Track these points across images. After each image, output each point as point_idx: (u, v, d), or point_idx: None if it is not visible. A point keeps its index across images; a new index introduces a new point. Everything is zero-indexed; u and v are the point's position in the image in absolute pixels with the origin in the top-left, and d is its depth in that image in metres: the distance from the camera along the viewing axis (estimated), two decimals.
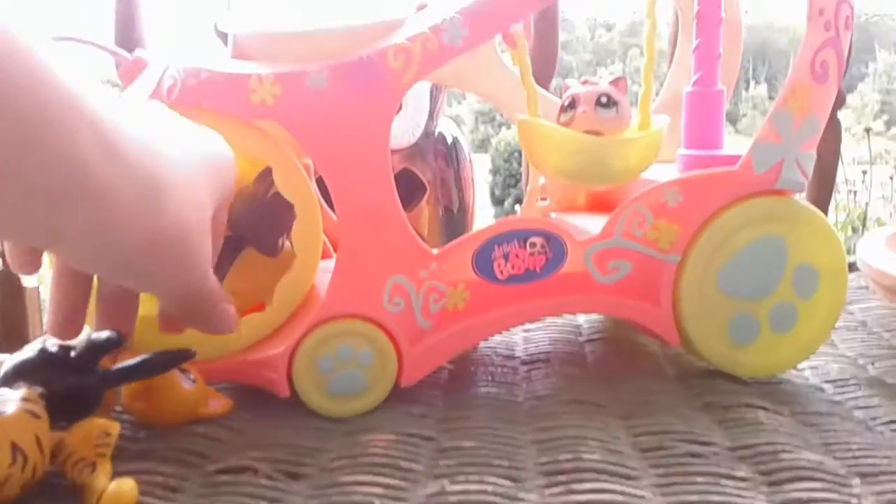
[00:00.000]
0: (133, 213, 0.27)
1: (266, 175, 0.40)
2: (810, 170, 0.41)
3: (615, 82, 0.41)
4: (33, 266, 0.33)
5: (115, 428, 0.30)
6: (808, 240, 0.41)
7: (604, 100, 0.40)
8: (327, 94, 0.36)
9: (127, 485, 0.28)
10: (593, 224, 0.42)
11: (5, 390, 0.29)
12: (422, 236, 0.39)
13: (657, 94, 0.51)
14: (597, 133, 0.40)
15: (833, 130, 0.85)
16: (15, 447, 0.27)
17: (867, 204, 2.83)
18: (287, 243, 0.41)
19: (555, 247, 0.40)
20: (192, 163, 0.31)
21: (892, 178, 3.08)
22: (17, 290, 0.80)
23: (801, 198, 0.41)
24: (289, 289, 0.38)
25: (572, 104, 0.41)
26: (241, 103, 0.36)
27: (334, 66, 0.36)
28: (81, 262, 0.30)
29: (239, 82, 0.36)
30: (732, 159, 0.41)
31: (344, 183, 0.37)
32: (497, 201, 4.54)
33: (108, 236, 0.27)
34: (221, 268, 0.39)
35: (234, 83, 0.36)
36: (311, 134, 0.36)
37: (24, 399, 0.29)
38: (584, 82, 0.42)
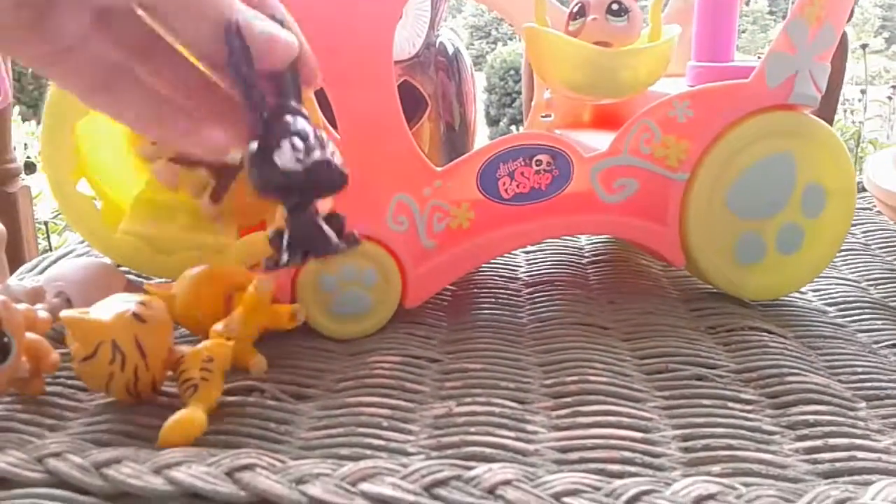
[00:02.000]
0: None
1: None
2: (824, 83, 0.40)
3: None
4: None
5: (219, 355, 0.29)
6: (818, 157, 0.40)
7: (615, 7, 0.39)
8: (327, 1, 0.34)
9: (193, 419, 0.27)
10: (599, 141, 0.41)
11: (122, 295, 0.29)
12: (424, 154, 0.38)
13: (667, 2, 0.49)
14: (606, 44, 0.39)
15: (841, 45, 0.83)
16: (115, 346, 0.28)
17: (862, 123, 2.80)
18: None
19: (561, 164, 0.39)
20: None
21: (889, 98, 3.04)
22: (13, 210, 0.79)
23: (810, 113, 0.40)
24: None
25: (581, 11, 0.39)
26: None
27: None
28: None
29: None
30: (744, 71, 0.39)
31: (345, 95, 0.36)
32: (492, 121, 4.47)
33: None
34: (222, 187, 0.38)
35: None
36: (311, 43, 0.35)
37: (134, 302, 0.29)
38: None
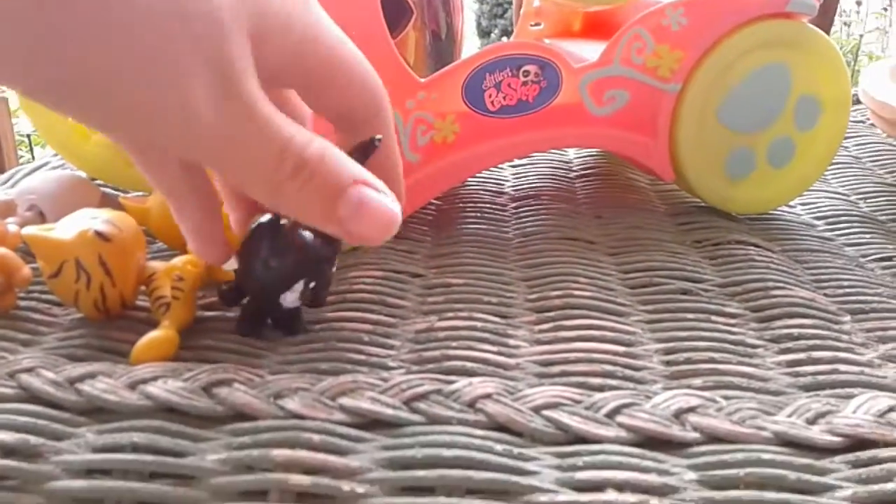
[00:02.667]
0: None
1: None
2: None
3: None
4: None
5: (190, 273, 0.29)
6: (813, 68, 0.39)
7: None
8: None
9: (165, 337, 0.27)
10: (590, 51, 0.40)
11: (90, 210, 0.29)
12: (408, 64, 0.36)
13: None
14: None
15: None
16: (79, 265, 0.27)
17: (861, 36, 2.75)
18: None
19: (549, 75, 0.38)
20: None
21: (885, 10, 2.97)
22: None
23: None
24: None
25: None
26: None
27: None
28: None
29: None
30: None
31: (322, 2, 0.34)
32: (483, 33, 4.36)
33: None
34: None
35: None
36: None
37: (100, 219, 0.28)
38: None
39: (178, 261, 0.29)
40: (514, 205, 0.43)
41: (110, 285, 0.28)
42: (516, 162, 0.50)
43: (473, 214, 0.42)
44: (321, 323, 0.30)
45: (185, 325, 0.28)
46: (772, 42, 0.38)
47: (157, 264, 0.29)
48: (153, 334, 0.27)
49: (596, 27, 0.48)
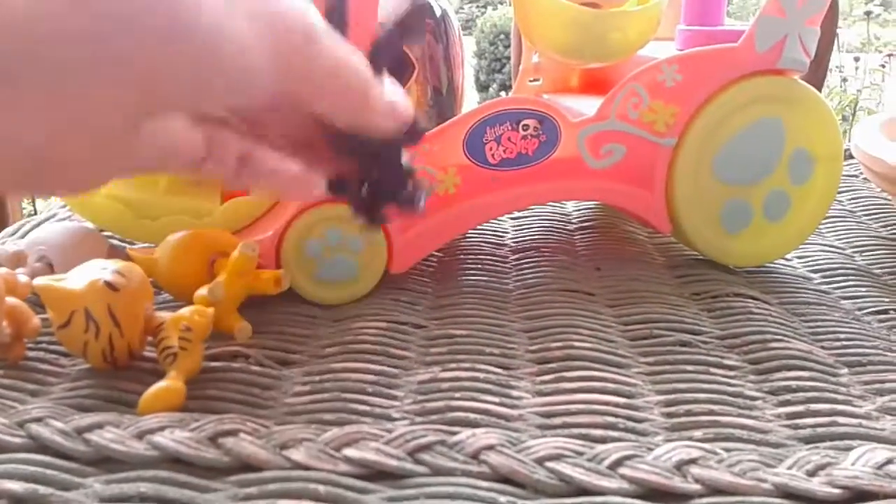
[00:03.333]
0: None
1: None
2: (813, 48, 0.39)
3: None
4: None
5: (197, 324, 0.29)
6: (806, 123, 0.40)
7: None
8: None
9: (172, 388, 0.27)
10: (587, 106, 0.41)
11: (99, 261, 0.29)
12: None
13: None
14: (594, 5, 0.38)
15: (831, 9, 0.83)
16: (88, 315, 0.28)
17: (859, 91, 2.79)
18: None
19: (548, 129, 0.39)
20: None
21: (883, 66, 3.02)
22: None
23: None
24: None
25: None
26: None
27: None
28: None
29: None
30: (734, 35, 0.39)
31: None
32: (482, 87, 4.43)
33: None
34: None
35: None
36: None
37: (110, 270, 0.28)
38: None
39: (185, 311, 0.29)
40: (514, 257, 0.44)
41: (118, 335, 0.28)
42: (516, 214, 0.51)
43: (474, 266, 0.43)
44: (326, 374, 0.30)
45: (192, 374, 0.29)
46: (764, 98, 0.39)
47: (164, 314, 0.30)
48: (160, 384, 0.27)
49: (593, 83, 0.49)
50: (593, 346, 0.33)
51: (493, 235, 0.48)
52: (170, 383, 0.27)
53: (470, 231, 0.48)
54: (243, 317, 0.33)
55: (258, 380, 0.30)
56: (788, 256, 0.45)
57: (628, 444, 0.25)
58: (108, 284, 0.28)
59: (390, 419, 0.27)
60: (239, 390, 0.29)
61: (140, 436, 0.24)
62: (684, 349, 0.33)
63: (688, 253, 0.44)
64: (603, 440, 0.26)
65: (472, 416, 0.27)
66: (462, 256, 0.44)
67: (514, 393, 0.29)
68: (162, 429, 0.24)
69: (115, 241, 0.41)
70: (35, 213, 1.44)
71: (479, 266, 0.43)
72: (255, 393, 0.29)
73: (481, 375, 0.30)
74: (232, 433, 0.24)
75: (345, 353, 0.32)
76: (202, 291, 0.32)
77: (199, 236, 0.34)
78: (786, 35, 0.39)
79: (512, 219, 0.51)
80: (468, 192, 0.39)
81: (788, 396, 0.29)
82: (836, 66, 2.82)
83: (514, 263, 0.43)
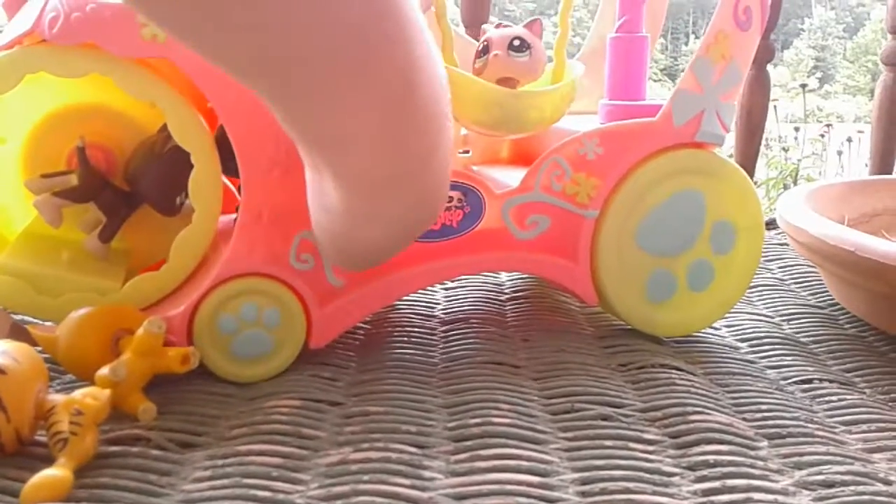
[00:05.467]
0: None
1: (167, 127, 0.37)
2: (731, 122, 0.40)
3: (530, 24, 0.40)
4: None
5: (90, 407, 0.27)
6: (726, 195, 0.41)
7: (516, 43, 0.39)
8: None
9: (56, 478, 0.25)
10: (515, 177, 0.41)
11: None
12: None
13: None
14: (510, 80, 0.39)
15: (762, 84, 0.85)
16: None
17: (800, 161, 2.88)
18: (187, 201, 0.39)
19: (472, 201, 0.39)
20: None
21: (822, 136, 3.13)
22: None
23: (720, 152, 0.41)
24: (186, 245, 0.36)
25: (486, 48, 0.39)
26: (130, 39, 0.33)
27: None
28: None
29: (128, 16, 0.33)
30: (654, 109, 0.40)
31: (247, 130, 0.35)
32: None
33: None
34: (114, 224, 0.36)
35: (123, 17, 0.33)
36: (210, 74, 0.34)
37: None
38: (499, 25, 0.40)
39: (77, 394, 0.28)
40: (443, 328, 0.43)
41: (5, 420, 0.27)
42: (448, 284, 0.51)
43: (401, 338, 0.42)
44: (230, 457, 0.29)
45: (85, 460, 0.27)
46: (683, 170, 0.40)
47: (57, 397, 0.28)
48: (45, 473, 0.25)
49: (522, 155, 0.50)
50: (512, 422, 0.32)
51: (424, 307, 0.47)
52: (55, 471, 0.25)
53: (400, 301, 0.47)
54: (156, 395, 0.32)
55: (156, 465, 0.28)
56: (717, 325, 0.45)
57: None
58: None
59: None
60: (134, 477, 0.27)
61: None
62: (605, 423, 0.32)
63: (617, 323, 0.44)
64: None
65: (379, 500, 0.26)
66: (390, 329, 0.43)
67: (427, 474, 0.28)
68: None
69: (18, 318, 0.39)
70: None
71: (406, 338, 0.42)
72: (150, 480, 0.27)
73: (394, 455, 0.29)
74: None
75: (253, 435, 0.30)
76: (104, 371, 0.30)
77: (102, 312, 0.32)
78: (703, 110, 0.39)
79: (444, 289, 0.50)
80: (392, 264, 0.38)
81: (706, 472, 0.29)
82: (777, 137, 2.92)
83: (442, 335, 0.42)
